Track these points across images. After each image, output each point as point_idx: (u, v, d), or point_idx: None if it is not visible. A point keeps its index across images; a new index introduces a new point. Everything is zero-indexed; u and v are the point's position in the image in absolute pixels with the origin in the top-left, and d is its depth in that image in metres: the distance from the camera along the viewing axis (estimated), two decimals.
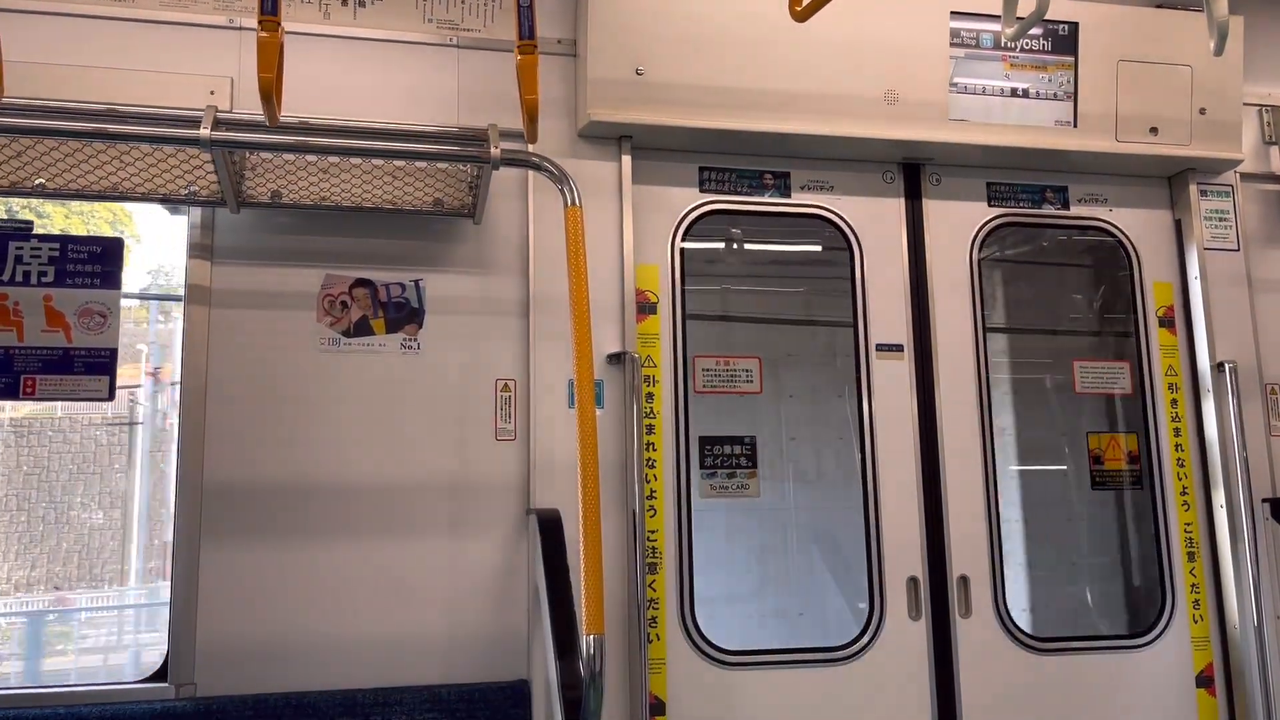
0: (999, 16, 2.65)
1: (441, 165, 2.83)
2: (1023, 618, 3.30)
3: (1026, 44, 3.36)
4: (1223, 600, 3.38)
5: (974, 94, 3.33)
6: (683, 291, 3.23)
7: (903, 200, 3.46)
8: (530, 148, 2.78)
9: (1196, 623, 3.37)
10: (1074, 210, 3.60)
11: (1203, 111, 3.45)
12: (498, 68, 3.16)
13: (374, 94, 3.09)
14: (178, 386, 2.87)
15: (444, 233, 3.10)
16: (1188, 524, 3.44)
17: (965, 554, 3.25)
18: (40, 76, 2.82)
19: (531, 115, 2.47)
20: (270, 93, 2.21)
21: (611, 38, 3.06)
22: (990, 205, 3.52)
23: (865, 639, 3.15)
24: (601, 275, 3.09)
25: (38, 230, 2.88)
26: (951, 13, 3.30)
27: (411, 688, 2.78)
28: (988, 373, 3.38)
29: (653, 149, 3.24)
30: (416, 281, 3.05)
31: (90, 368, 2.84)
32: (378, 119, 3.01)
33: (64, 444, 6.07)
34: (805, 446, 3.63)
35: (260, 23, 2.19)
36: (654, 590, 3.02)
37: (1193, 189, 3.59)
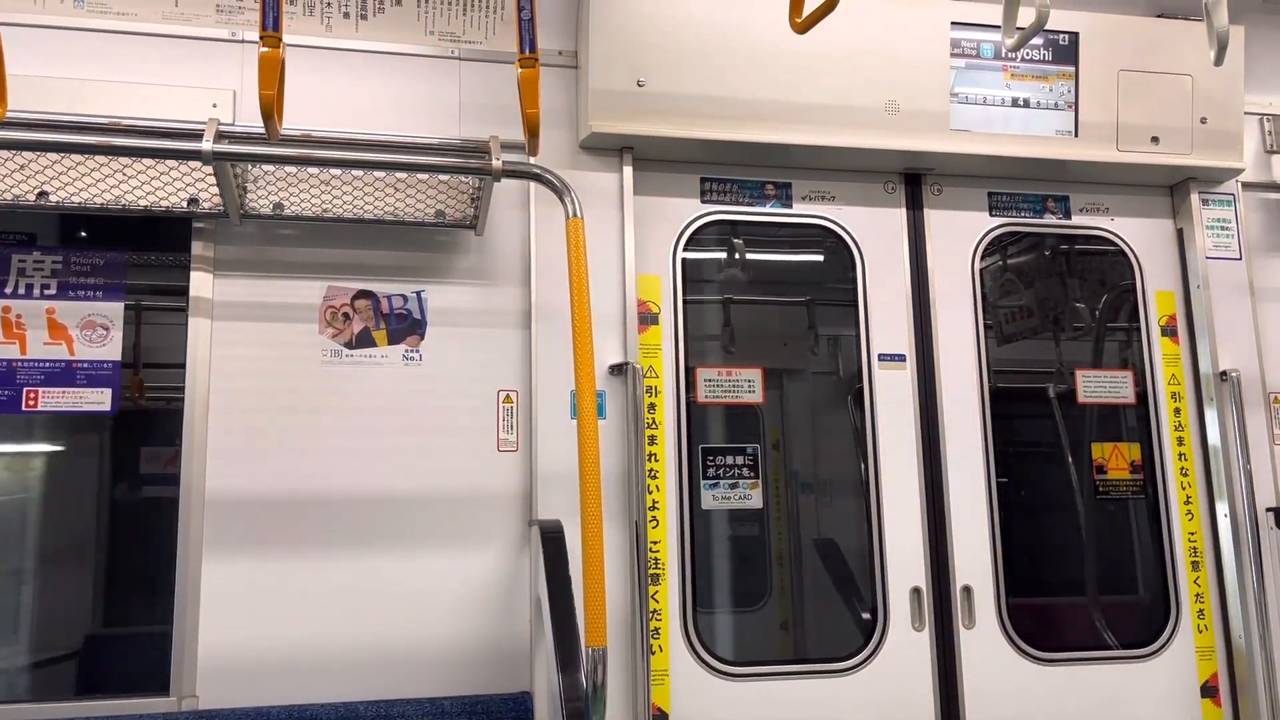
0: (999, 27, 2.66)
1: (443, 177, 2.84)
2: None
3: (1027, 54, 3.37)
4: (1227, 610, 3.37)
5: (975, 104, 3.33)
6: (684, 302, 3.23)
7: (904, 210, 3.46)
8: (531, 159, 2.79)
9: (1201, 633, 3.36)
10: (1076, 220, 3.60)
11: (1204, 121, 3.45)
12: (499, 79, 3.17)
13: (376, 106, 3.10)
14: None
15: (446, 244, 3.10)
16: (1191, 533, 3.43)
17: (968, 564, 3.24)
18: (44, 90, 2.83)
19: (532, 130, 2.47)
20: (271, 110, 2.21)
21: (613, 49, 3.07)
22: (992, 215, 3.53)
23: (869, 650, 3.14)
24: (603, 286, 3.09)
25: None
26: (952, 23, 3.30)
27: (413, 700, 2.77)
28: (990, 382, 3.38)
29: (654, 160, 3.24)
30: (418, 293, 3.06)
31: (93, 380, 2.85)
32: (380, 131, 3.02)
33: None
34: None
35: (262, 38, 2.19)
36: (656, 601, 3.01)
37: (1194, 198, 3.59)
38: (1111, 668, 3.28)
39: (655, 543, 3.04)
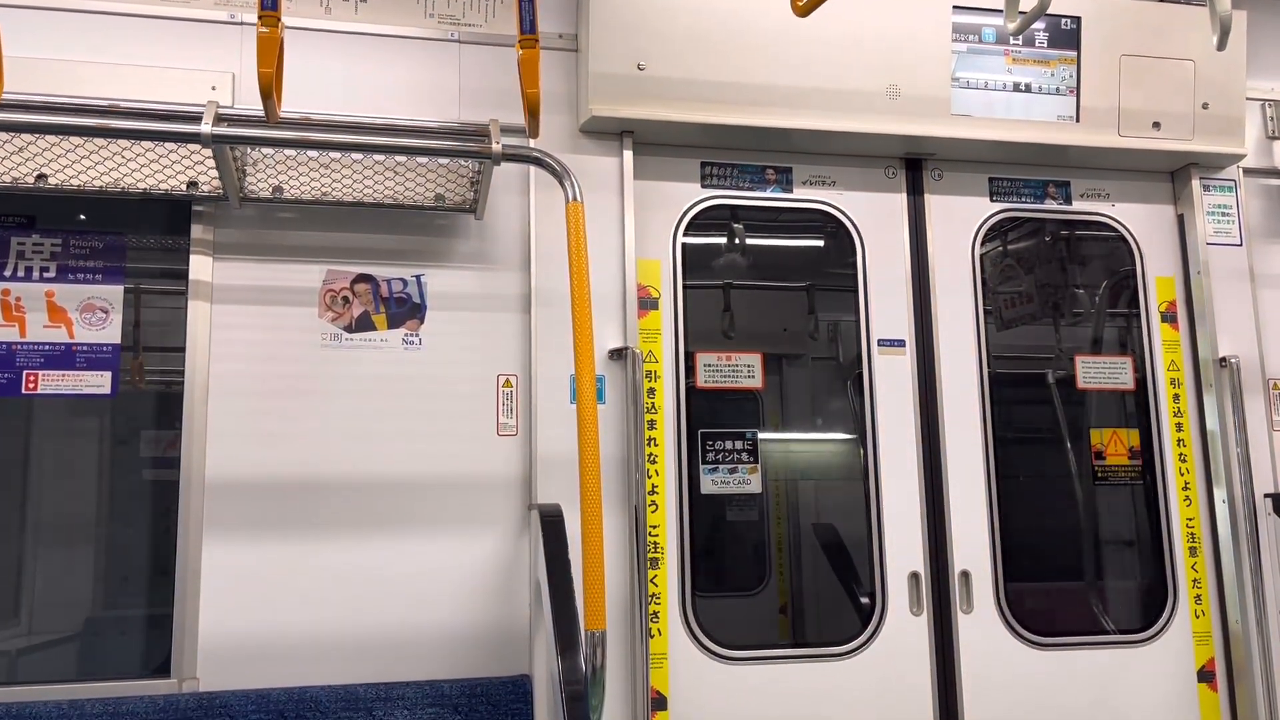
0: (1001, 11, 2.65)
1: (443, 161, 2.83)
2: None
3: (1029, 38, 3.35)
4: (1224, 595, 3.38)
5: (976, 89, 3.32)
6: (684, 287, 3.23)
7: (905, 195, 3.46)
8: (531, 143, 2.78)
9: (1198, 618, 3.37)
10: (1076, 205, 3.60)
11: (1205, 106, 3.44)
12: (499, 63, 3.16)
13: (375, 89, 3.09)
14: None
15: (445, 228, 3.10)
16: (1189, 519, 3.44)
17: (967, 549, 3.25)
18: (42, 72, 2.82)
19: (533, 110, 2.46)
20: (270, 89, 2.21)
21: (613, 33, 3.06)
22: (992, 200, 3.52)
23: (867, 634, 3.15)
24: (603, 270, 3.09)
25: None
26: (954, 7, 3.29)
27: (413, 683, 2.78)
28: (990, 368, 3.39)
29: (654, 144, 3.23)
30: (418, 277, 3.06)
31: (92, 363, 2.85)
32: (379, 114, 3.01)
33: None
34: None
35: (260, 18, 2.19)
36: (655, 585, 3.02)
37: (1195, 184, 3.58)
38: (1109, 652, 3.30)
39: (654, 527, 3.05)
